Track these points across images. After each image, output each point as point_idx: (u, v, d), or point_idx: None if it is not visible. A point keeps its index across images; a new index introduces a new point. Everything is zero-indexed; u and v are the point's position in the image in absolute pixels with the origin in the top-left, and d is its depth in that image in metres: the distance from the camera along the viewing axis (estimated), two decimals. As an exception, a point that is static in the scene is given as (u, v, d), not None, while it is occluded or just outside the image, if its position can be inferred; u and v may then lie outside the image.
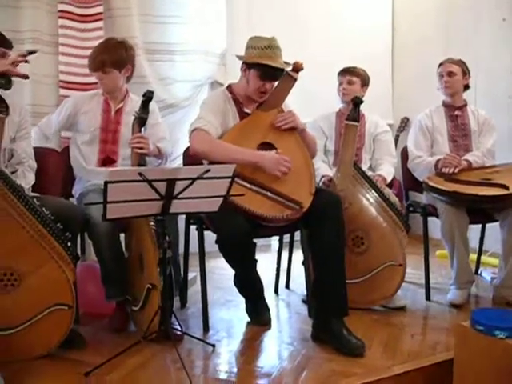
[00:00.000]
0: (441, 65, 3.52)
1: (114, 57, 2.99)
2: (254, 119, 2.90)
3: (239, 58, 2.89)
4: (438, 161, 3.35)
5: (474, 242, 3.48)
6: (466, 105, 3.56)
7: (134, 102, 3.10)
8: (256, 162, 2.71)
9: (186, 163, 3.20)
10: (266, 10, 4.51)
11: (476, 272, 3.74)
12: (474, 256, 3.67)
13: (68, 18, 3.75)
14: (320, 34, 4.69)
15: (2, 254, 2.36)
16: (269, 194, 2.72)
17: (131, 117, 3.03)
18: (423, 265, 3.34)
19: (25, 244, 2.38)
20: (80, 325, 2.73)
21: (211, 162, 2.71)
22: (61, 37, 3.72)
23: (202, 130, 2.75)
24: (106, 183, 2.06)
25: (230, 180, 2.24)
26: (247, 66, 2.85)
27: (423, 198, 3.48)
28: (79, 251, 2.94)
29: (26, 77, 2.44)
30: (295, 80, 2.91)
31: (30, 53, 2.44)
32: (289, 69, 2.86)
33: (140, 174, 2.07)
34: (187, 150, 3.19)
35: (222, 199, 2.31)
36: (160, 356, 2.48)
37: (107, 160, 3.03)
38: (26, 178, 2.69)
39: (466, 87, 3.55)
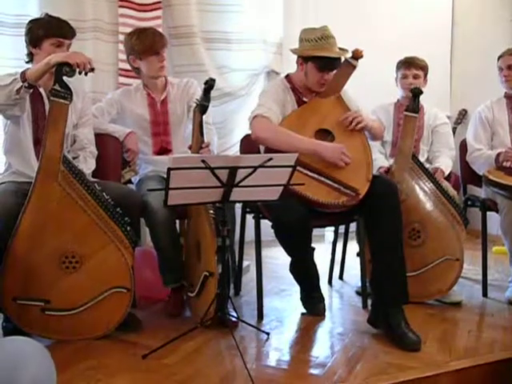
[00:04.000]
0: (500, 58, 3.40)
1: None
2: (312, 106, 2.89)
3: (294, 51, 2.89)
4: (498, 154, 3.26)
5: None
6: (529, 96, 3.46)
7: (176, 86, 3.13)
8: (319, 152, 2.71)
9: (242, 151, 3.21)
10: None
11: (535, 269, 3.63)
12: (533, 253, 3.57)
13: (128, 7, 3.81)
14: (377, 22, 4.64)
15: (65, 237, 2.42)
16: (325, 180, 2.71)
17: (177, 104, 3.09)
18: (480, 260, 3.27)
19: (86, 227, 2.44)
20: (136, 309, 2.77)
21: (269, 149, 2.73)
22: (121, 25, 3.78)
23: (264, 117, 2.75)
24: (169, 170, 2.09)
25: (291, 169, 2.24)
26: (303, 59, 2.84)
27: (482, 192, 3.40)
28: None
29: (92, 69, 2.49)
30: (354, 67, 2.88)
31: (92, 69, 2.49)
32: (348, 55, 2.84)
33: (203, 162, 2.09)
34: (244, 138, 3.20)
35: (282, 188, 2.31)
36: (215, 342, 2.51)
37: (162, 151, 3.07)
38: (87, 164, 2.75)
39: (530, 77, 3.43)
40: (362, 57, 2.88)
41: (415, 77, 3.39)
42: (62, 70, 2.40)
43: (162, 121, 3.07)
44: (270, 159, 2.17)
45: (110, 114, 3.06)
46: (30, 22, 2.71)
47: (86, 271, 2.45)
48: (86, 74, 2.48)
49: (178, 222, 2.99)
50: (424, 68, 3.41)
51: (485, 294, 3.20)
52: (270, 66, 4.32)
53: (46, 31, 2.63)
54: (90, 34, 3.70)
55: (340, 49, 2.82)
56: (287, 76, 3.00)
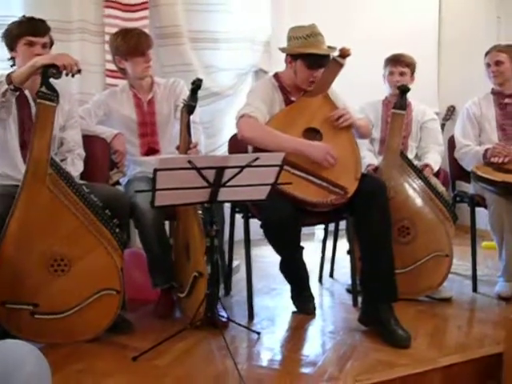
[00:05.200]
0: (487, 54, 3.42)
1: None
2: (300, 105, 2.89)
3: (282, 50, 2.89)
4: (486, 150, 3.27)
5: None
6: (516, 92, 3.47)
7: (162, 86, 3.12)
8: (305, 151, 2.71)
9: (230, 151, 3.20)
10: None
11: (525, 264, 3.65)
12: (522, 247, 3.59)
13: (114, 8, 3.77)
14: (364, 20, 4.62)
15: (53, 240, 2.41)
16: (314, 179, 2.72)
17: (164, 104, 3.08)
18: (469, 256, 3.29)
19: (75, 230, 2.43)
20: (126, 311, 2.76)
21: (257, 149, 2.73)
22: (107, 26, 3.75)
23: (251, 117, 2.75)
24: (155, 171, 2.08)
25: (278, 168, 2.24)
26: (292, 57, 2.84)
27: (470, 188, 3.41)
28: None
29: (79, 71, 2.48)
30: (342, 66, 2.89)
31: (79, 71, 2.48)
32: (335, 53, 2.85)
33: (189, 162, 2.09)
34: (232, 138, 3.20)
35: (269, 187, 2.31)
36: (205, 342, 2.50)
37: (150, 151, 3.06)
38: (75, 166, 2.74)
39: (518, 73, 3.45)
40: (349, 55, 2.89)
41: (401, 74, 3.41)
42: (49, 72, 2.39)
43: (149, 121, 3.06)
44: (257, 159, 2.17)
45: (97, 116, 3.05)
46: (7, 26, 2.70)
47: (75, 274, 2.44)
48: (72, 75, 2.47)
49: (167, 222, 2.99)
50: (410, 65, 3.42)
51: (475, 289, 3.22)
52: (258, 65, 4.30)
53: (17, 32, 2.62)
54: (77, 35, 3.66)
55: (328, 47, 2.82)
56: (275, 75, 2.99)
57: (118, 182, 3.05)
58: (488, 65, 3.41)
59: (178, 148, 2.77)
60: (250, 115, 2.75)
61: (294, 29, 2.83)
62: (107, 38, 3.67)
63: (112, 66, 3.49)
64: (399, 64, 3.41)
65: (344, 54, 2.88)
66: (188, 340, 2.50)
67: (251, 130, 2.76)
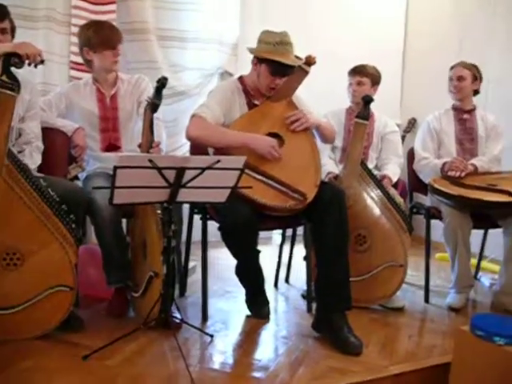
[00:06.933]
0: (452, 67, 3.50)
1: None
2: (263, 109, 2.90)
3: (250, 51, 2.88)
4: (444, 163, 3.35)
5: (474, 247, 3.48)
6: (474, 109, 3.55)
7: (126, 82, 3.09)
8: (250, 144, 2.73)
9: (192, 151, 3.18)
10: (279, 2, 4.49)
11: (475, 277, 3.74)
12: (474, 261, 3.67)
13: (82, -1, 3.73)
14: (332, 30, 4.67)
15: (7, 233, 2.36)
16: (273, 183, 2.72)
17: (127, 100, 3.05)
18: (423, 267, 3.34)
19: (30, 224, 2.38)
20: (79, 308, 2.72)
21: (218, 151, 2.74)
22: (73, 17, 3.70)
23: (200, 117, 2.76)
24: (115, 168, 2.05)
25: (239, 171, 2.24)
26: (258, 60, 2.84)
27: (427, 200, 3.47)
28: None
29: (42, 61, 2.44)
30: (307, 73, 2.93)
31: (42, 61, 2.44)
32: (301, 62, 2.86)
33: (150, 161, 2.07)
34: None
35: (230, 190, 2.31)
36: (157, 343, 2.48)
37: (111, 147, 3.02)
38: (33, 159, 2.68)
39: (476, 92, 3.53)
40: (314, 63, 2.93)
41: (359, 83, 3.45)
42: (11, 60, 2.33)
43: (111, 116, 3.03)
44: (218, 161, 2.16)
45: (58, 108, 3.00)
46: None
47: (27, 269, 2.39)
48: (35, 66, 2.43)
49: (125, 220, 2.95)
50: (369, 75, 3.46)
51: (426, 300, 3.27)
52: (224, 66, 4.29)
53: None
54: (43, 23, 3.60)
55: (296, 56, 2.84)
56: (240, 77, 3.00)
57: (76, 177, 2.99)
58: (451, 79, 3.49)
59: (139, 146, 2.75)
60: (200, 115, 2.76)
61: (265, 33, 2.83)
62: (73, 29, 3.63)
63: (77, 59, 3.45)
64: (357, 74, 3.46)
65: (309, 61, 2.91)
66: (140, 340, 2.47)
67: (196, 128, 2.76)
